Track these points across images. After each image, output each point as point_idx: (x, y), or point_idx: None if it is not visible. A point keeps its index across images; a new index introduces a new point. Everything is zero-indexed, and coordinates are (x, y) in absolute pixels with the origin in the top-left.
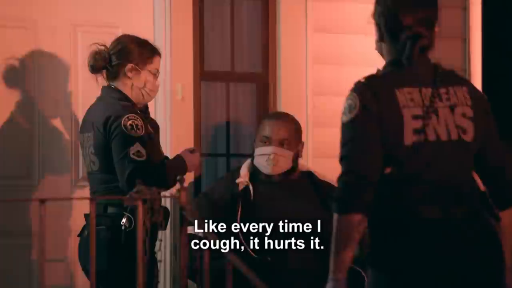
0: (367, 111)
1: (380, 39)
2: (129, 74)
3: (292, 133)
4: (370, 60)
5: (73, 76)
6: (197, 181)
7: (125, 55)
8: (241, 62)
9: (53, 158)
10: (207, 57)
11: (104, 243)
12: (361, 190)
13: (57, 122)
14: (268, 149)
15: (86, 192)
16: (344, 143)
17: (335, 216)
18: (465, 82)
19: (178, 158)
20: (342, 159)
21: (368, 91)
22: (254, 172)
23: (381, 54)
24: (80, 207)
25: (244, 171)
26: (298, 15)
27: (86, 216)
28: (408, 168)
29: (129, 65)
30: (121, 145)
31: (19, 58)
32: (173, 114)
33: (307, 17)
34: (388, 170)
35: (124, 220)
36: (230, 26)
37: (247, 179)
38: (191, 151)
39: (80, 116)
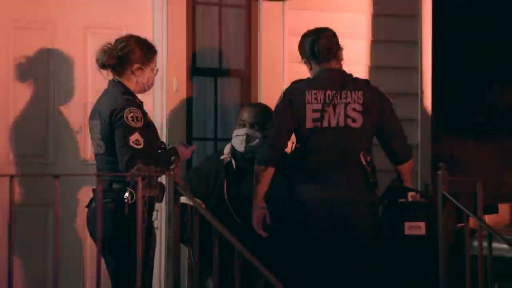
0: (287, 104)
1: (310, 69)
2: (136, 73)
3: (264, 118)
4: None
5: (83, 70)
6: (189, 161)
7: (132, 57)
8: (227, 60)
9: (66, 139)
10: (199, 55)
11: (109, 214)
12: (272, 157)
13: (69, 109)
14: (241, 131)
15: (93, 169)
16: (271, 123)
17: (256, 166)
18: (365, 88)
19: (173, 149)
20: (266, 135)
21: (290, 91)
22: (234, 152)
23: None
24: (88, 182)
25: (226, 150)
26: (276, 21)
27: (94, 190)
28: (308, 144)
29: (136, 66)
30: (123, 134)
31: (38, 55)
32: (168, 104)
33: (284, 23)
34: (298, 145)
35: (126, 194)
36: (218, 30)
37: (229, 155)
38: (186, 146)
39: (89, 104)
